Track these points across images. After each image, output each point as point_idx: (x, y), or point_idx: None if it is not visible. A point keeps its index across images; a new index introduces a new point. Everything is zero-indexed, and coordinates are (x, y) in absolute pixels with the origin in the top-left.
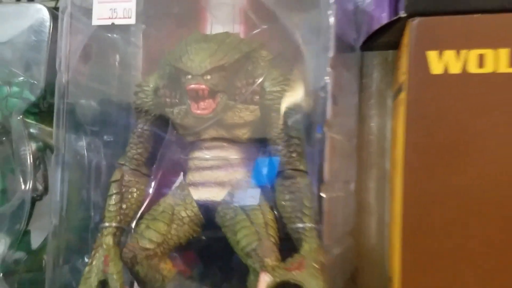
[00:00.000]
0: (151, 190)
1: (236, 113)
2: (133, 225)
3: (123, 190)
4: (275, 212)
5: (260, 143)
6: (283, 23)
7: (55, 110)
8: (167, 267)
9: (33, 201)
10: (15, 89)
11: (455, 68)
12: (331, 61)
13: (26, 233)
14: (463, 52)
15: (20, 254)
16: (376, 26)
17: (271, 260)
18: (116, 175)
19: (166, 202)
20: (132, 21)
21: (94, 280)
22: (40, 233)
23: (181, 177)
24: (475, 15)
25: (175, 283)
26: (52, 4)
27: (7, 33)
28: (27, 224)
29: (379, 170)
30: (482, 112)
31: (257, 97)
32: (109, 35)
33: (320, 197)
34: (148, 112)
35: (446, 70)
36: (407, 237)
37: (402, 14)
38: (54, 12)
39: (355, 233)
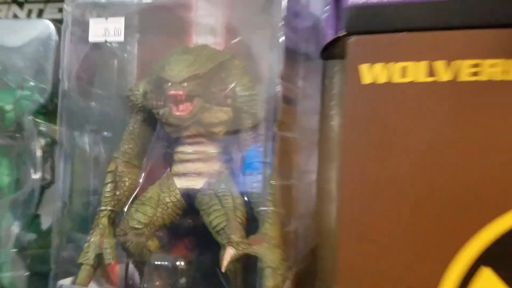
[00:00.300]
0: (141, 180)
1: (212, 114)
2: (125, 209)
3: (117, 179)
4: (245, 198)
5: (233, 139)
6: (247, 40)
7: (58, 111)
8: (153, 244)
9: (42, 189)
10: (26, 92)
11: (382, 79)
12: (281, 73)
13: (36, 216)
14: (389, 64)
15: (31, 235)
16: (327, 41)
17: (236, 237)
18: (111, 167)
19: (153, 189)
20: (121, 38)
21: (91, 254)
22: (49, 216)
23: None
24: (400, 34)
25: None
26: (59, 16)
27: (20, 41)
28: (37, 208)
29: (339, 163)
30: (405, 115)
31: (230, 100)
32: (108, 44)
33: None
34: (138, 112)
35: (374, 80)
36: (344, 215)
37: (341, 33)
38: (59, 27)
39: (317, 216)
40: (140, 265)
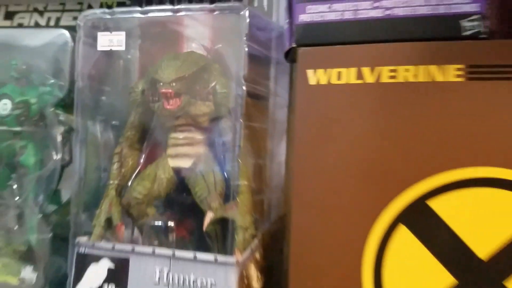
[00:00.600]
0: (141, 160)
1: (197, 107)
2: (129, 183)
3: (122, 159)
4: (224, 174)
5: (215, 128)
6: (224, 49)
7: (74, 104)
8: (151, 210)
9: (62, 168)
10: (48, 88)
11: (323, 80)
12: (245, 76)
13: (57, 191)
14: (328, 70)
15: (52, 207)
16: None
17: (215, 204)
18: (118, 149)
19: (151, 168)
20: (123, 48)
21: (102, 217)
22: (67, 191)
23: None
24: (336, 46)
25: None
26: (73, 23)
27: (42, 46)
28: (58, 184)
29: (293, 146)
30: (341, 108)
31: (211, 96)
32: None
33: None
34: (138, 106)
35: (318, 81)
36: (296, 187)
37: (293, 45)
38: (74, 35)
39: (285, 189)
40: (141, 226)
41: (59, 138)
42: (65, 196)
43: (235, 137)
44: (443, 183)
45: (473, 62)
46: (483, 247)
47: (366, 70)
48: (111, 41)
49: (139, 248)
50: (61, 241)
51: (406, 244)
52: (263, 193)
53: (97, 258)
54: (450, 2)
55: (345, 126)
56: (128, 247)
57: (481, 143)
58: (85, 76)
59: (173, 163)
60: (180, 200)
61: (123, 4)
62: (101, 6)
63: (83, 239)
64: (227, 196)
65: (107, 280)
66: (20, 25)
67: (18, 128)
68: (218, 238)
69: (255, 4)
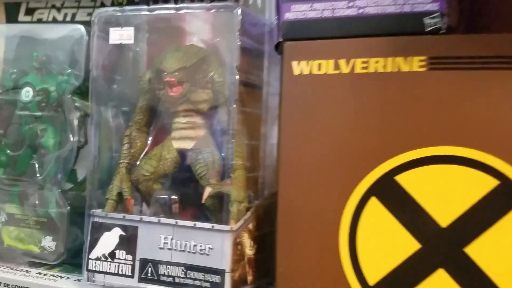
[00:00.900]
0: (149, 142)
1: (197, 95)
2: (138, 162)
3: (132, 141)
4: (222, 154)
5: (214, 113)
6: (222, 42)
7: (89, 92)
8: (157, 186)
9: (78, 149)
10: (65, 77)
11: (306, 71)
12: (237, 67)
13: (73, 170)
14: (310, 61)
15: (69, 184)
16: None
17: (213, 180)
18: (127, 132)
19: (157, 149)
20: (132, 42)
21: (114, 192)
22: (82, 170)
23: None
24: (317, 41)
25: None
26: (88, 18)
27: (59, 37)
28: (74, 164)
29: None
30: (321, 95)
31: (210, 84)
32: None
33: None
34: (145, 93)
35: (301, 72)
36: (284, 163)
37: (280, 39)
38: (89, 30)
39: (277, 168)
40: (148, 200)
41: (75, 122)
42: (80, 174)
43: (230, 120)
44: (409, 160)
45: (434, 54)
46: (444, 216)
47: (342, 62)
48: (121, 35)
49: (146, 218)
50: (77, 214)
51: (377, 214)
52: (257, 171)
53: (109, 227)
54: (415, 2)
55: (325, 111)
56: (136, 217)
57: (442, 125)
58: (99, 66)
59: (176, 144)
60: (183, 177)
61: (133, 1)
62: (113, 3)
63: (97, 210)
64: (225, 173)
65: (119, 245)
66: (40, 20)
67: (39, 113)
68: (217, 212)
69: (250, 2)
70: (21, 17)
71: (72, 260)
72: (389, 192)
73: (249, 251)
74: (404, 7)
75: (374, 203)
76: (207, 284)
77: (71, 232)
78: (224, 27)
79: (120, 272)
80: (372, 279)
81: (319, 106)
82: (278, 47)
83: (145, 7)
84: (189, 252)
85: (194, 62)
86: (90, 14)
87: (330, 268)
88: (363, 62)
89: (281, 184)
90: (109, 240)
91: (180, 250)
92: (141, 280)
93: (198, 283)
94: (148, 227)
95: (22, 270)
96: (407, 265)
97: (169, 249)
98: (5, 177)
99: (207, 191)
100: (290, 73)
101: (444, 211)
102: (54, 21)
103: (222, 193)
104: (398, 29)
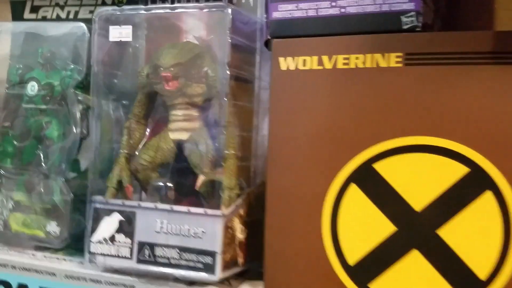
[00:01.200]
0: (147, 133)
1: (192, 88)
2: (136, 152)
3: (131, 132)
4: (216, 145)
5: (208, 106)
6: (215, 40)
7: (91, 86)
8: (154, 175)
9: (81, 140)
10: (68, 73)
11: (292, 67)
12: (228, 63)
13: (76, 160)
14: (296, 57)
15: (73, 174)
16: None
17: (206, 169)
18: (127, 124)
19: (155, 139)
20: (130, 39)
21: (114, 179)
22: (85, 161)
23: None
24: (302, 38)
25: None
26: (90, 16)
27: (62, 34)
28: (77, 154)
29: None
30: (306, 88)
31: (204, 79)
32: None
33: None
34: (143, 87)
35: (288, 67)
36: (272, 151)
37: (268, 37)
38: (90, 27)
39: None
40: (146, 187)
41: (78, 115)
42: (83, 164)
43: (222, 113)
44: (386, 149)
45: (409, 51)
46: (418, 201)
47: (325, 58)
48: (120, 33)
49: (144, 204)
50: (80, 202)
51: (357, 199)
52: (249, 160)
53: (109, 212)
54: (392, 1)
55: (309, 103)
56: (135, 203)
57: (417, 117)
58: (100, 62)
59: (173, 136)
60: (179, 166)
61: (133, 0)
62: (113, 2)
63: (98, 197)
64: (217, 163)
65: (118, 230)
66: (44, 18)
67: (44, 106)
68: (210, 199)
69: (243, 0)
70: (26, 14)
71: (75, 244)
72: (368, 179)
73: (239, 235)
74: (382, 6)
75: (354, 189)
76: (200, 265)
77: (74, 218)
78: (217, 25)
79: (119, 254)
80: (351, 259)
81: (304, 99)
82: (268, 44)
83: (142, 6)
84: (183, 235)
85: (189, 58)
86: (91, 12)
87: (313, 249)
88: (344, 59)
89: (269, 171)
90: (109, 225)
91: (175, 234)
92: (139, 261)
93: (191, 263)
94: (145, 213)
95: (28, 253)
96: (383, 246)
97: (165, 232)
98: (12, 166)
99: (201, 179)
100: (278, 68)
101: (418, 196)
102: (58, 18)
103: (214, 181)
104: (377, 27)
